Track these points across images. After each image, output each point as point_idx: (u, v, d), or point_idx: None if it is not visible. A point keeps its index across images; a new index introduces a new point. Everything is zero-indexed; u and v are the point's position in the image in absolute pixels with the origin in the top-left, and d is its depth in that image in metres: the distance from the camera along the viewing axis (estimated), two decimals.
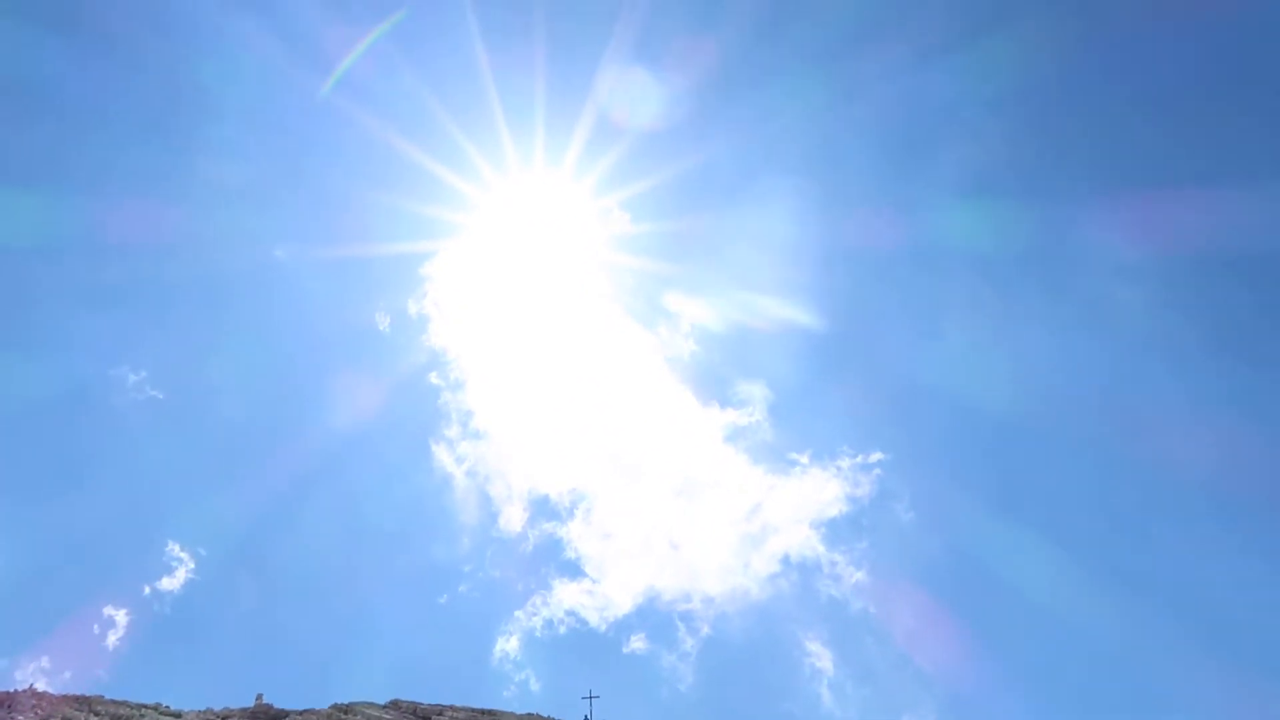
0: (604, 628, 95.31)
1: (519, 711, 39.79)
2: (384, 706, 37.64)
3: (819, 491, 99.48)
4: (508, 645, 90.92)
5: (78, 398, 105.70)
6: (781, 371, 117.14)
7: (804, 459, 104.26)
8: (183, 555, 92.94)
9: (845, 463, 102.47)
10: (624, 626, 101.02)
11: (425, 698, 39.79)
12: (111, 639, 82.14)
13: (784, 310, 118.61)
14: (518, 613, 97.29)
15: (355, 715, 35.30)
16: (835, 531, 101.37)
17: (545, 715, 40.04)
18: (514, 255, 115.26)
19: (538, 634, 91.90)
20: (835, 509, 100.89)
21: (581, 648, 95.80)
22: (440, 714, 37.35)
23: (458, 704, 39.77)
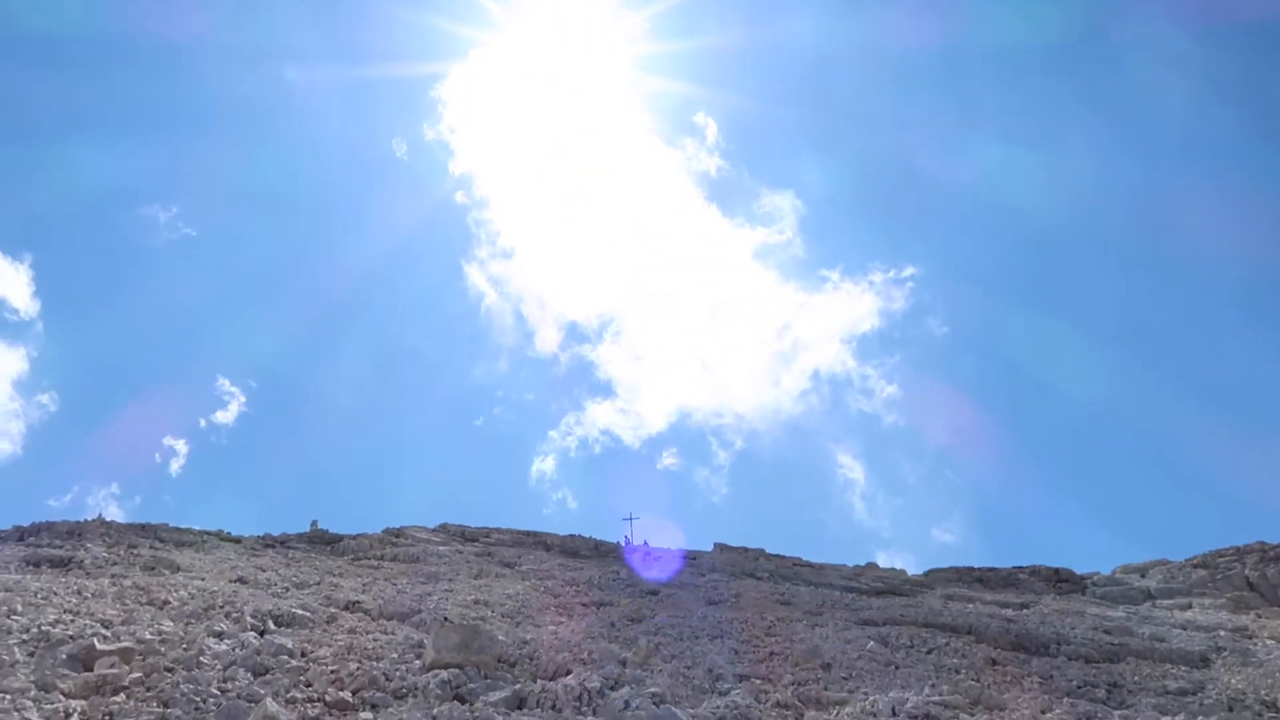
0: (637, 445, 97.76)
1: (561, 533, 41.58)
2: (433, 530, 39.42)
3: (851, 307, 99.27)
4: (544, 465, 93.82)
5: (115, 238, 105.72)
6: (811, 187, 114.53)
7: (835, 275, 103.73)
8: (233, 389, 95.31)
9: (878, 277, 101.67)
10: (657, 444, 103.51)
11: (471, 521, 41.61)
12: (174, 467, 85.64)
13: (813, 122, 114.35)
14: (552, 432, 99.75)
15: (405, 538, 36.97)
16: (867, 346, 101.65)
17: (586, 536, 41.85)
18: (534, 73, 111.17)
19: (572, 454, 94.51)
20: (867, 324, 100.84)
21: (616, 465, 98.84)
22: (487, 536, 39.10)
23: (503, 526, 41.60)
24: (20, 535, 28.88)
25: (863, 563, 43.57)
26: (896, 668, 18.04)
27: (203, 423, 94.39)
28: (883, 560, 52.03)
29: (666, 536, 46.17)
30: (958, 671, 17.84)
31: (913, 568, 43.90)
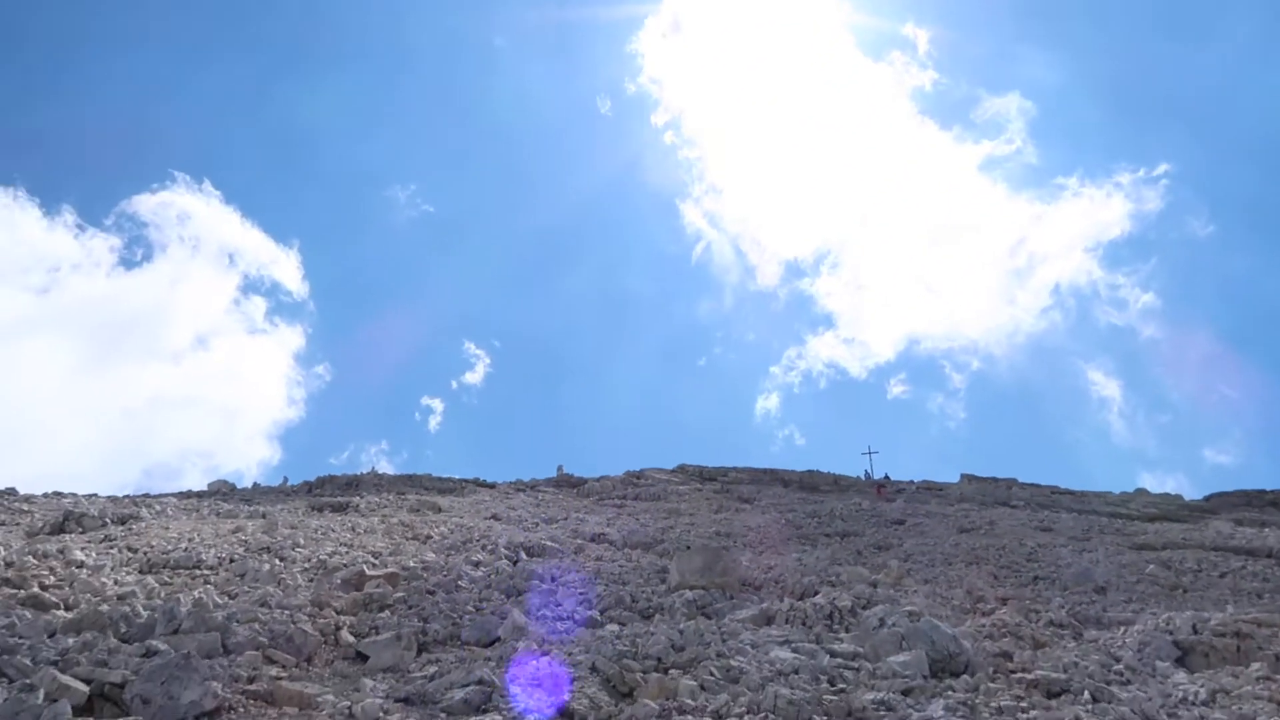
0: (864, 376, 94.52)
1: (796, 469, 41.04)
2: (671, 471, 40.04)
3: (1094, 213, 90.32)
4: (768, 403, 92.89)
5: (365, 219, 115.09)
6: (1038, 86, 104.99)
7: (1073, 181, 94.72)
8: (479, 352, 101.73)
9: (1125, 178, 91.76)
10: (885, 373, 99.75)
11: (706, 461, 41.90)
12: (432, 424, 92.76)
13: (1032, 14, 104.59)
14: (774, 368, 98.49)
15: (645, 479, 37.80)
16: (1116, 254, 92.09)
17: (824, 471, 41.06)
18: (729, 9, 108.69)
19: (796, 390, 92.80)
20: (1115, 229, 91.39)
21: (844, 398, 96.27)
22: (724, 475, 39.26)
23: (738, 465, 41.59)
24: (309, 488, 32.06)
25: (1130, 489, 40.06)
26: (1185, 591, 16.23)
27: (454, 384, 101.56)
28: (1151, 485, 47.60)
29: (908, 469, 44.52)
30: (1260, 596, 15.81)
31: (1188, 493, 39.72)
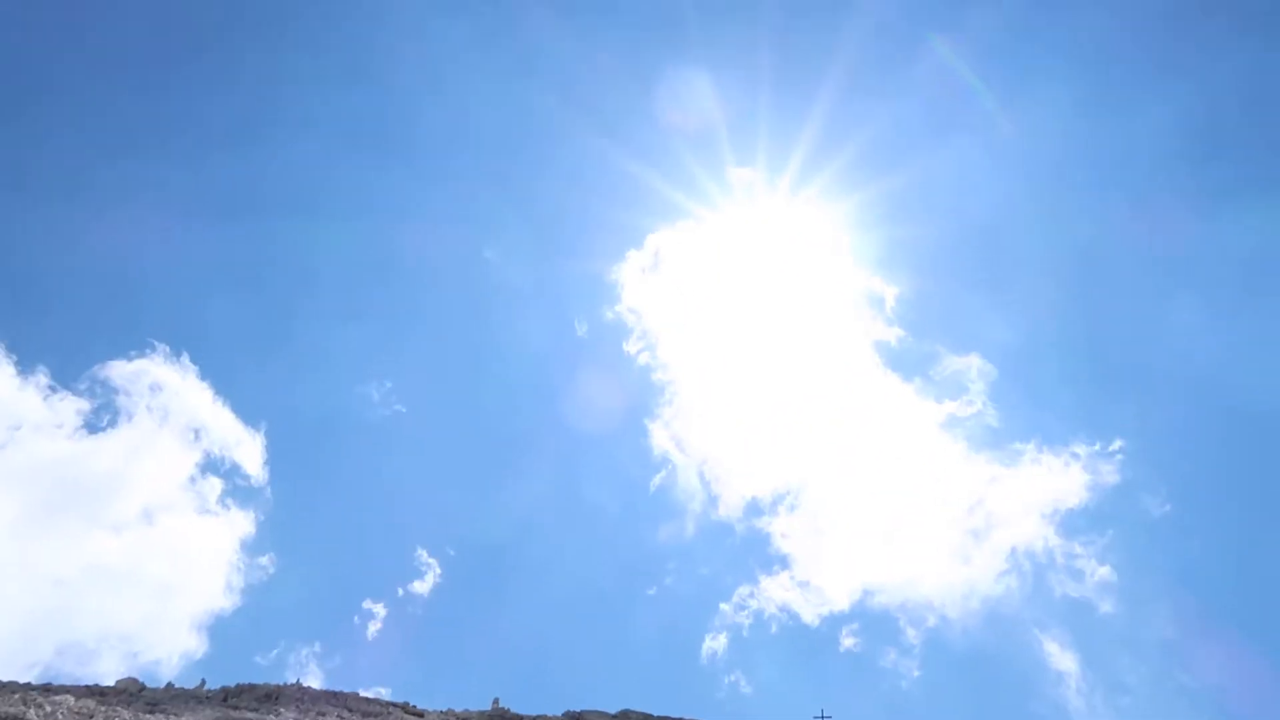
0: (817, 623, 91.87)
1: None
2: (614, 716, 37.78)
3: (1052, 481, 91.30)
4: (715, 644, 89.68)
5: (336, 413, 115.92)
6: (999, 352, 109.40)
7: (1030, 447, 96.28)
8: (431, 560, 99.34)
9: (1082, 449, 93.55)
10: (838, 622, 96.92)
11: (652, 705, 39.63)
12: (371, 629, 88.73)
13: (1001, 290, 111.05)
14: (724, 605, 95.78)
15: None
16: (1073, 523, 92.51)
17: None
18: (717, 253, 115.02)
19: (745, 633, 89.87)
20: (1073, 499, 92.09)
21: (794, 645, 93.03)
22: None
23: (684, 717, 39.35)
24: (225, 696, 29.95)
25: None
26: None
27: (400, 591, 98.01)
28: None
29: None
30: None
31: None
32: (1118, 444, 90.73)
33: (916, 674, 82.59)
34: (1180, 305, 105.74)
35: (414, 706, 33.60)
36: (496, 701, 36.12)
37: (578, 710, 37.09)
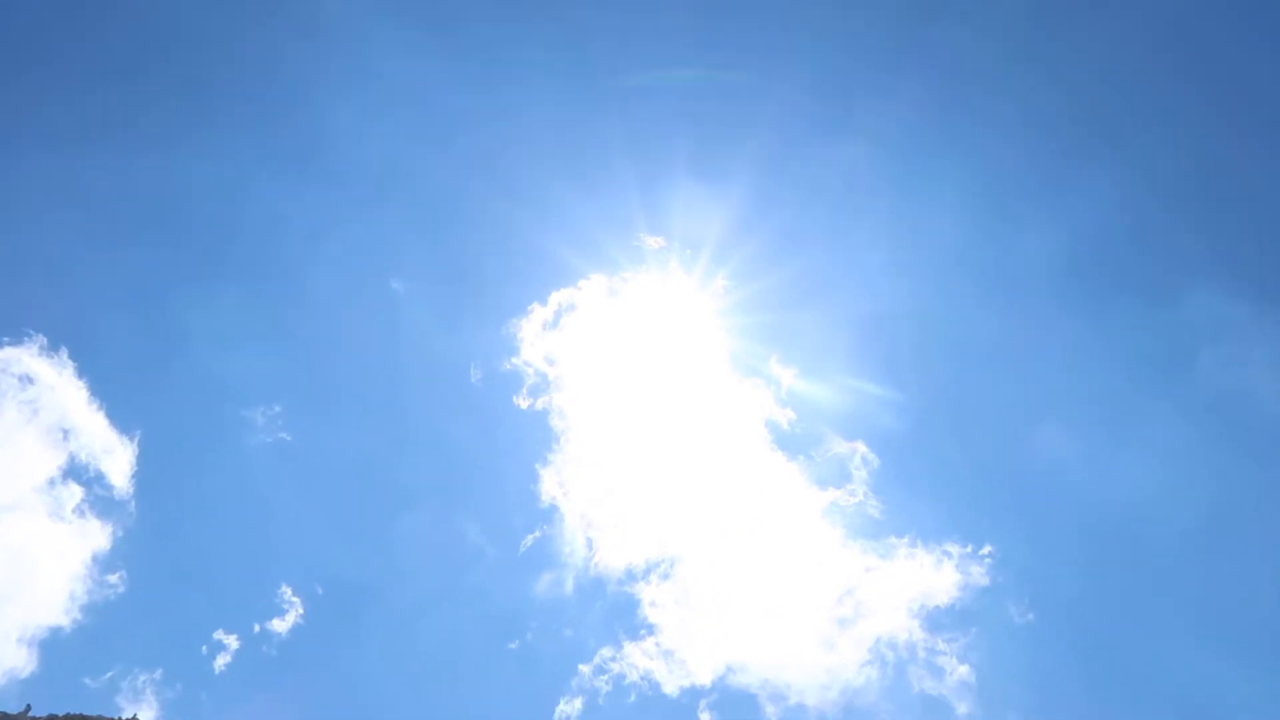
0: (676, 694, 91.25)
1: None
2: None
3: (921, 578, 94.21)
4: (570, 707, 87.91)
5: (217, 432, 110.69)
6: (884, 445, 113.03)
7: (905, 542, 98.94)
8: (295, 599, 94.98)
9: (954, 549, 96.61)
10: (698, 695, 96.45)
11: None
12: (219, 662, 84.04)
13: (885, 388, 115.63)
14: (583, 667, 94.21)
15: None
16: (939, 620, 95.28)
17: None
18: (615, 317, 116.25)
19: (602, 700, 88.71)
20: (943, 596, 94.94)
21: (651, 716, 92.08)
22: None
23: None
24: None
25: None
26: None
27: (257, 627, 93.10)
28: None
29: None
30: None
31: None
32: (987, 549, 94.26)
33: None
34: (1060, 412, 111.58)
35: None
36: None
37: None
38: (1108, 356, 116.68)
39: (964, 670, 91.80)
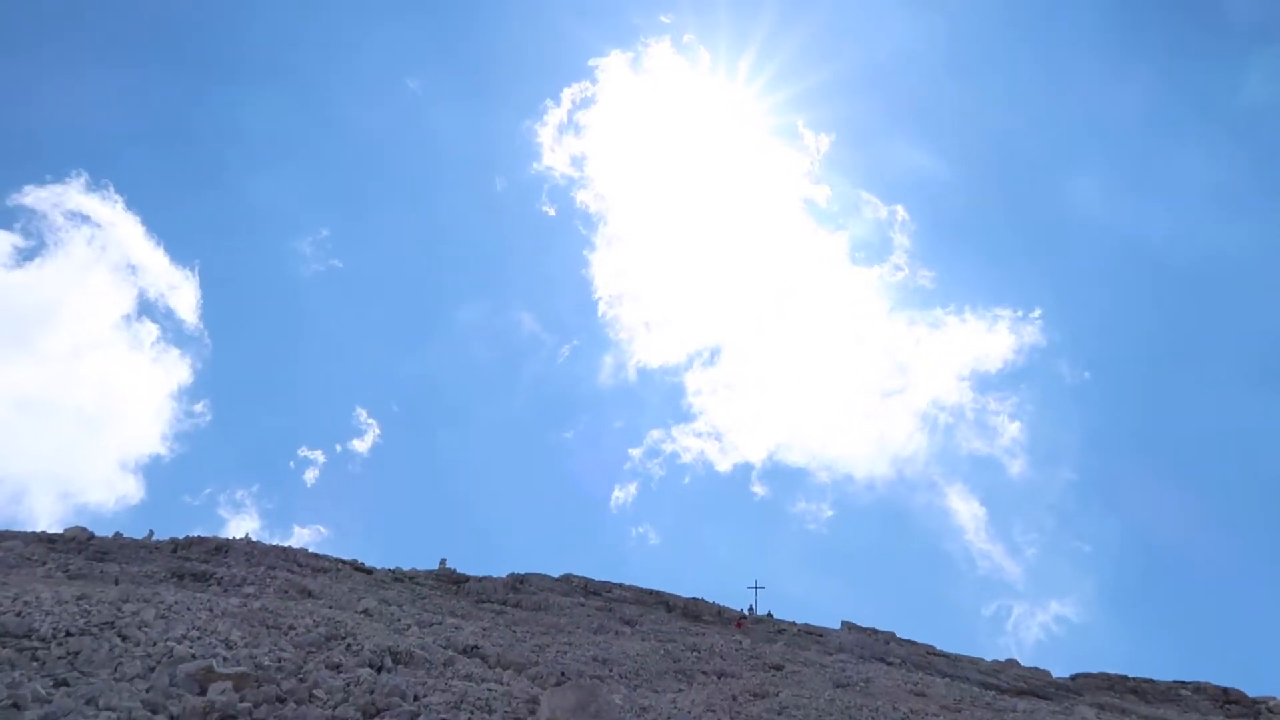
0: (729, 470, 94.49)
1: (683, 594, 40.58)
2: (556, 580, 39.15)
3: (970, 344, 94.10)
4: (624, 493, 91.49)
5: (272, 261, 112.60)
6: (924, 209, 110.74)
7: (949, 312, 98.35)
8: (371, 421, 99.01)
9: (1005, 313, 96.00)
10: (747, 472, 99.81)
11: (594, 574, 41.11)
12: (309, 476, 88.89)
13: (919, 148, 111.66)
14: (634, 451, 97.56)
15: (529, 586, 36.84)
16: (989, 383, 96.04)
17: (710, 601, 40.69)
18: (646, 103, 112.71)
19: (654, 483, 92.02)
20: (990, 363, 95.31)
21: (704, 496, 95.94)
22: (609, 591, 38.54)
23: (625, 583, 40.93)
24: (174, 548, 30.27)
25: (1001, 659, 40.70)
26: None
27: (339, 448, 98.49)
28: (1019, 655, 48.33)
29: (791, 608, 44.51)
30: None
31: (1055, 669, 40.39)
32: (1038, 312, 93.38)
33: (827, 531, 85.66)
34: (1094, 158, 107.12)
35: (362, 564, 34.37)
36: (444, 562, 37.12)
37: (522, 573, 38.34)
38: (1135, 89, 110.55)
39: (1015, 429, 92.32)
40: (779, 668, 25.39)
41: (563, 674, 17.52)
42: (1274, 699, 38.70)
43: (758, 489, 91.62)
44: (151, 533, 32.02)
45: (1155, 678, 40.13)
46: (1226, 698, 38.30)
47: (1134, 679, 40.45)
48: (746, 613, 41.87)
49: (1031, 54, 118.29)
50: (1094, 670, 41.46)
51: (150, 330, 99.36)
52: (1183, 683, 39.90)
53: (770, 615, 42.05)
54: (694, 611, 37.95)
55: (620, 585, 39.55)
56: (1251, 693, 38.90)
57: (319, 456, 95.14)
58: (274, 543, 33.14)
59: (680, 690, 19.17)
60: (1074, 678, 40.22)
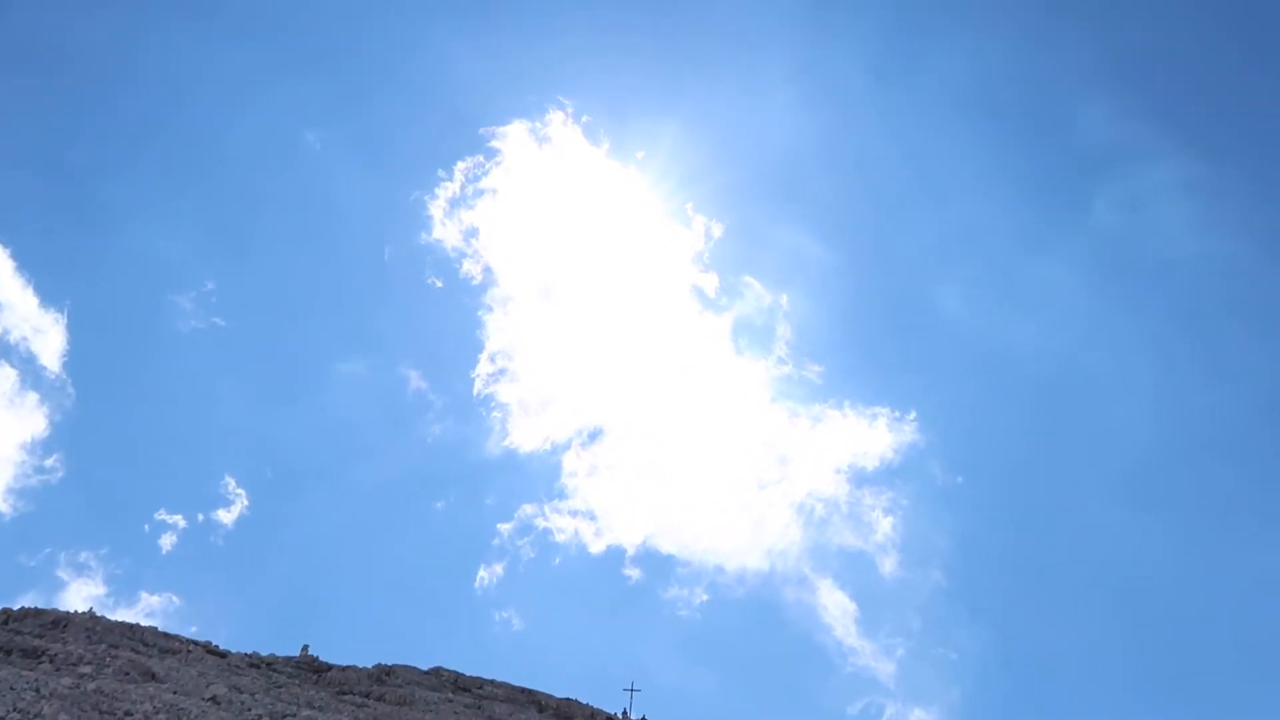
0: (601, 551, 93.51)
1: (557, 695, 39.31)
2: (425, 673, 37.42)
3: (849, 439, 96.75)
4: (490, 572, 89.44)
5: (152, 315, 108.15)
6: (806, 298, 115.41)
7: (830, 405, 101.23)
8: (239, 491, 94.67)
9: (884, 411, 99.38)
10: (623, 557, 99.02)
11: (462, 666, 39.52)
12: (166, 542, 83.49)
13: (803, 233, 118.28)
14: (502, 526, 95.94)
15: (395, 678, 35.12)
16: (864, 481, 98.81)
17: (584, 702, 39.51)
18: (538, 188, 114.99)
19: (523, 562, 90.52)
20: (868, 460, 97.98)
21: (574, 579, 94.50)
22: (480, 688, 37.01)
23: (497, 679, 39.44)
24: (4, 619, 27.84)
25: None
26: None
27: (201, 517, 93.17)
28: None
29: (664, 706, 43.61)
30: None
31: None
32: (912, 415, 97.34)
33: (702, 600, 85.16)
34: (975, 257, 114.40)
35: (216, 646, 32.23)
36: (306, 648, 35.13)
37: (389, 664, 36.56)
38: (1011, 182, 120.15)
39: (887, 525, 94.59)
40: None
41: None
42: None
43: (630, 572, 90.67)
44: None
45: None
46: None
47: None
48: (621, 716, 40.77)
49: (909, 161, 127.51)
50: None
51: (7, 374, 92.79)
52: None
53: (645, 719, 41.04)
54: (566, 713, 36.74)
55: (492, 682, 38.10)
56: None
57: (179, 521, 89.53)
58: (119, 617, 30.87)
59: None
60: None
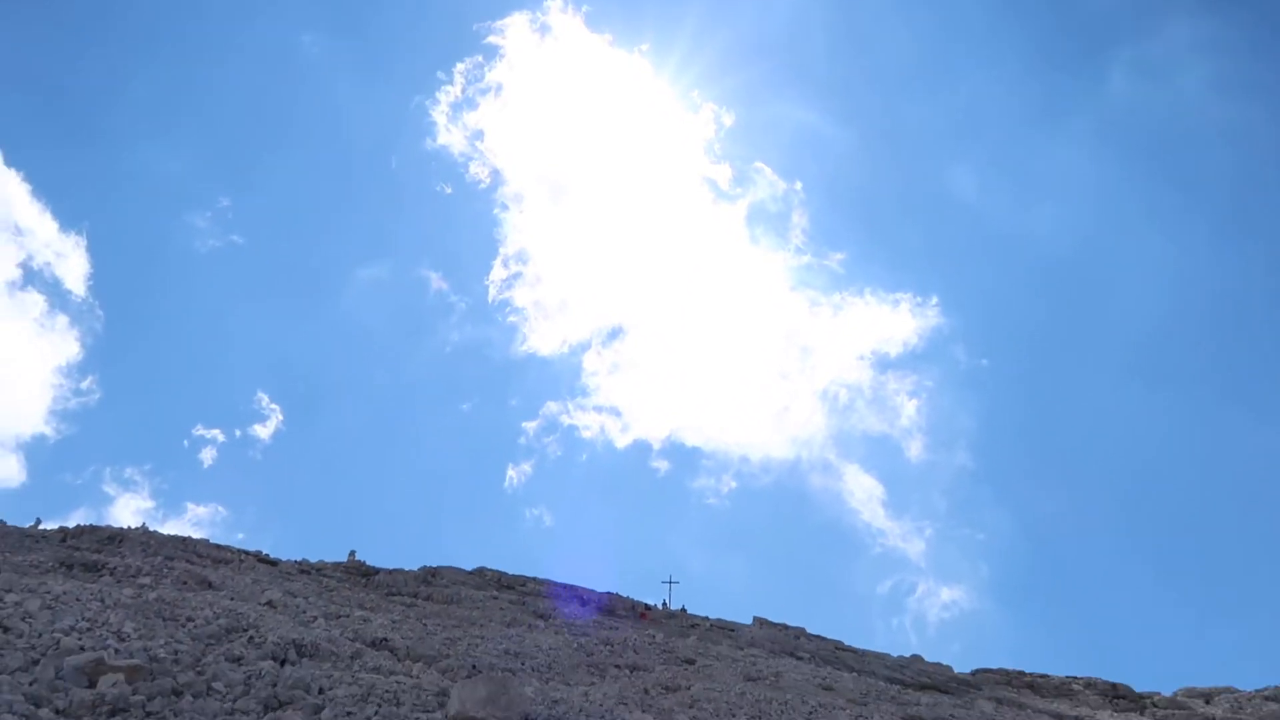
0: (626, 445, 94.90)
1: (597, 589, 40.50)
2: (469, 573, 38.61)
3: (872, 326, 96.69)
4: (519, 470, 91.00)
5: (165, 233, 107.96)
6: (822, 185, 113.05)
7: (851, 293, 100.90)
8: (274, 406, 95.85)
9: (905, 297, 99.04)
10: (649, 452, 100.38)
11: (508, 567, 40.71)
12: (206, 456, 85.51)
13: (816, 114, 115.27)
14: (528, 424, 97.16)
15: (440, 579, 36.24)
16: (888, 364, 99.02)
17: (624, 595, 40.69)
18: (541, 83, 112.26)
19: (550, 458, 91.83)
20: (891, 346, 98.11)
21: (600, 474, 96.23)
22: (523, 585, 38.20)
23: (539, 576, 40.66)
24: (63, 537, 28.82)
25: (906, 654, 41.73)
26: None
27: (238, 433, 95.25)
28: (919, 647, 49.50)
29: (698, 594, 44.81)
30: None
31: (957, 664, 41.54)
32: (935, 299, 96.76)
33: (729, 505, 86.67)
34: (974, 159, 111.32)
35: (267, 555, 33.30)
36: (353, 554, 36.25)
37: (434, 566, 37.71)
38: (1022, 55, 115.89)
39: (911, 409, 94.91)
40: (691, 662, 25.47)
41: (474, 667, 17.23)
42: (1159, 694, 40.53)
43: (658, 465, 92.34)
44: (38, 520, 30.48)
45: (1049, 672, 41.66)
46: (1115, 692, 39.94)
47: (1030, 674, 41.92)
48: (660, 606, 42.00)
49: (916, 40, 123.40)
50: (992, 665, 42.89)
51: (36, 300, 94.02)
52: (1074, 678, 41.48)
53: (684, 609, 42.25)
54: (608, 606, 37.87)
55: (534, 579, 39.24)
56: (1138, 687, 40.68)
57: (217, 435, 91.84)
58: (171, 530, 31.86)
59: (593, 683, 19.03)
60: (974, 673, 41.47)
